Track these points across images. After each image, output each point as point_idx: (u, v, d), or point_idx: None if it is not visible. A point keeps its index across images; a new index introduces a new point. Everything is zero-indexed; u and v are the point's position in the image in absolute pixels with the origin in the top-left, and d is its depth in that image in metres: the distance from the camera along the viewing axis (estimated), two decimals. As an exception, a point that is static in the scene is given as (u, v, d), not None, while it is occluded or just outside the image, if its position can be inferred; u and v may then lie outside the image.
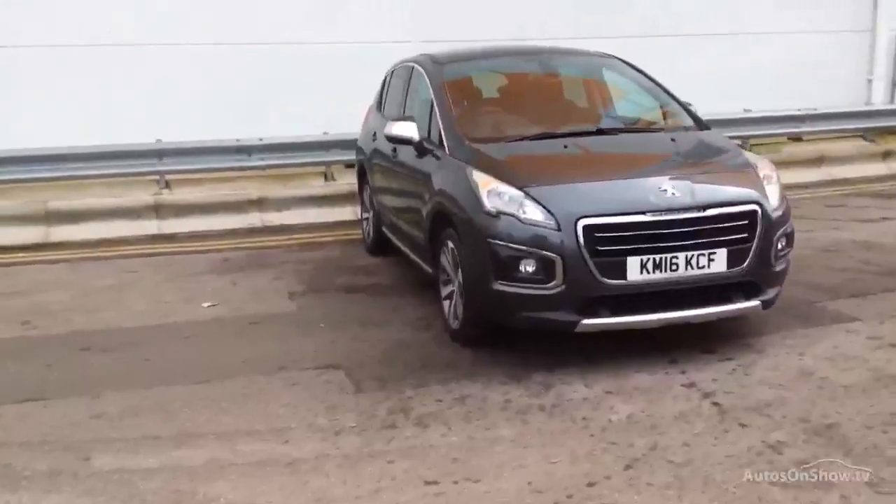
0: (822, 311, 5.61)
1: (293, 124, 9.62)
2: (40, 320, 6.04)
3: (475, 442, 3.87)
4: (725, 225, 4.63)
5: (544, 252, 4.49)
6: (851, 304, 5.73)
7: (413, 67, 6.44)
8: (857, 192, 10.33)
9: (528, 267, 4.54)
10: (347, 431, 4.01)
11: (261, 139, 9.29)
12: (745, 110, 11.25)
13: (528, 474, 3.54)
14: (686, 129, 5.63)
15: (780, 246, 4.88)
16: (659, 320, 4.67)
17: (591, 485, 3.44)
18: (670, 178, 4.67)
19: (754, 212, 4.69)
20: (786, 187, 10.13)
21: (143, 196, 9.05)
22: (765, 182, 4.93)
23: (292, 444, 3.89)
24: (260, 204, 9.23)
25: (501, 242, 4.60)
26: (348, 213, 9.10)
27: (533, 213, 4.55)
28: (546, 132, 5.33)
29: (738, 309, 4.81)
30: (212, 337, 5.56)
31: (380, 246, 7.37)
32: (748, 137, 11.33)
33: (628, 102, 6.08)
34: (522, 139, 5.28)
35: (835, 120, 11.85)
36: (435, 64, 6.11)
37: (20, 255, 8.25)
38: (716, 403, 4.22)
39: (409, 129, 5.60)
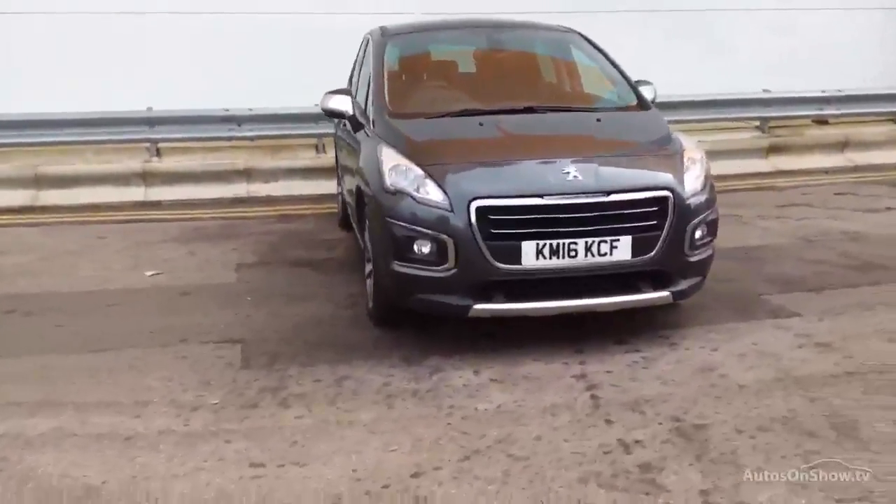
0: (764, 305, 5.32)
1: (289, 96, 9.55)
2: (-18, 282, 6.16)
3: (326, 425, 3.78)
4: (631, 211, 4.39)
5: (437, 233, 4.34)
6: (801, 299, 5.43)
7: (368, 39, 6.30)
8: (876, 180, 9.81)
9: (422, 248, 4.39)
10: (206, 408, 3.96)
11: (250, 109, 9.27)
12: (764, 90, 10.75)
13: (358, 461, 3.43)
14: (624, 109, 5.37)
15: (697, 235, 4.62)
16: (556, 308, 4.49)
17: (415, 475, 3.31)
18: (575, 161, 4.45)
19: (665, 198, 4.44)
20: (803, 172, 10.07)
21: (131, 163, 9.16)
22: (686, 167, 4.66)
23: (143, 419, 3.85)
24: (247, 174, 9.25)
25: (397, 222, 4.46)
26: (335, 186, 9.02)
27: (429, 192, 4.39)
28: (471, 109, 5.13)
29: (646, 299, 4.57)
30: (135, 306, 5.57)
31: (347, 220, 7.28)
32: (767, 119, 10.88)
33: (574, 80, 5.83)
34: (444, 116, 5.09)
35: (863, 102, 11.24)
36: (382, 35, 5.96)
37: (5, 217, 8.44)
38: (595, 397, 4.04)
39: (342, 103, 5.48)
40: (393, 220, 4.47)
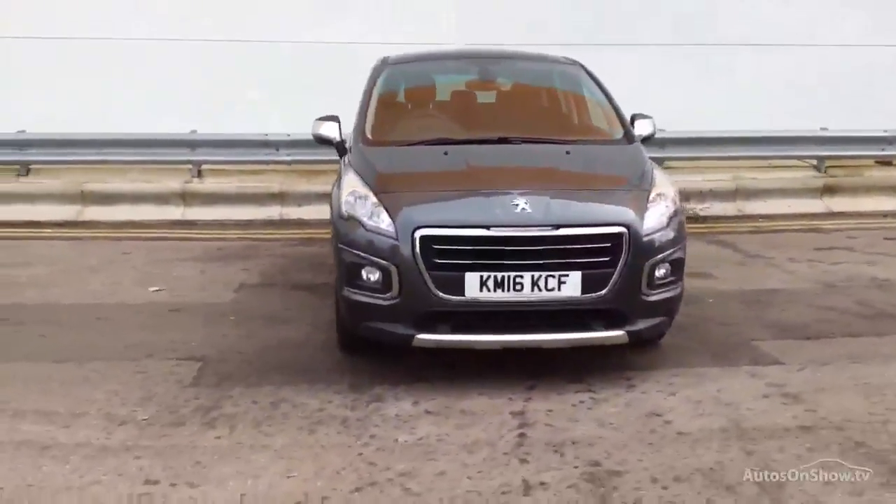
0: (749, 351, 5.08)
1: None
2: (-4, 291, 6.46)
3: (239, 448, 3.77)
4: (580, 246, 4.26)
5: (381, 261, 4.32)
6: (792, 347, 5.16)
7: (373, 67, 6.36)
8: (938, 228, 9.25)
9: (370, 276, 4.37)
10: (134, 423, 4.01)
11: (288, 135, 9.47)
12: (822, 128, 10.32)
13: (252, 486, 3.41)
14: (604, 142, 5.24)
15: (658, 274, 4.44)
16: (501, 342, 4.39)
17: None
18: (526, 193, 4.35)
19: (619, 234, 4.29)
20: (858, 215, 9.60)
21: (171, 183, 9.47)
22: (651, 204, 4.50)
23: (70, 430, 3.93)
24: (281, 198, 9.43)
25: (348, 248, 4.47)
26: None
27: (378, 220, 4.38)
28: (444, 138, 5.10)
29: (598, 338, 4.41)
30: (123, 320, 5.73)
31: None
32: (824, 158, 10.43)
33: (563, 112, 5.72)
34: (415, 144, 5.09)
35: (931, 144, 10.63)
36: (381, 63, 6.01)
37: (48, 230, 8.85)
38: (522, 435, 3.91)
39: (330, 130, 5.53)
40: (344, 247, 4.48)
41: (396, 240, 4.26)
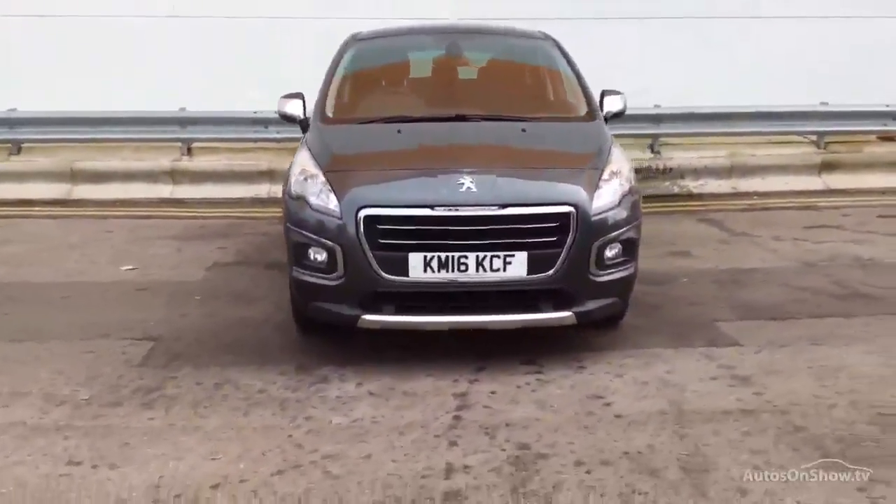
0: (709, 332, 5.00)
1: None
2: (-30, 270, 6.51)
3: (170, 429, 3.77)
4: (527, 226, 4.19)
5: (326, 241, 4.28)
6: (755, 328, 5.07)
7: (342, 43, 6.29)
8: (938, 205, 9.04)
9: (317, 256, 4.34)
10: (72, 404, 4.02)
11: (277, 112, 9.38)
12: (822, 103, 10.10)
13: (173, 468, 3.40)
14: (566, 119, 5.15)
15: (609, 254, 4.37)
16: (447, 323, 4.35)
17: (215, 486, 3.26)
18: (473, 172, 4.28)
19: (567, 214, 4.21)
20: (856, 192, 9.41)
21: (162, 161, 9.48)
22: (603, 182, 4.42)
23: (8, 410, 3.94)
24: (270, 175, 9.37)
25: (296, 228, 4.44)
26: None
27: (324, 199, 4.34)
28: (401, 116, 5.04)
29: (545, 319, 4.35)
30: (88, 299, 5.75)
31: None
32: (824, 133, 10.23)
33: (528, 88, 5.62)
34: (371, 121, 5.03)
35: (935, 118, 10.37)
36: (350, 39, 5.94)
37: (37, 208, 8.91)
38: (458, 417, 3.88)
39: (294, 107, 5.46)
40: (291, 227, 4.45)
41: (341, 219, 4.22)
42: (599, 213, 4.29)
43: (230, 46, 10.07)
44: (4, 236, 7.69)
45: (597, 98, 5.42)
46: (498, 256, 4.15)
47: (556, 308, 4.31)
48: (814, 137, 10.36)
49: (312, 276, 4.37)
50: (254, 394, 4.16)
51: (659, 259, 6.77)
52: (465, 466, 3.40)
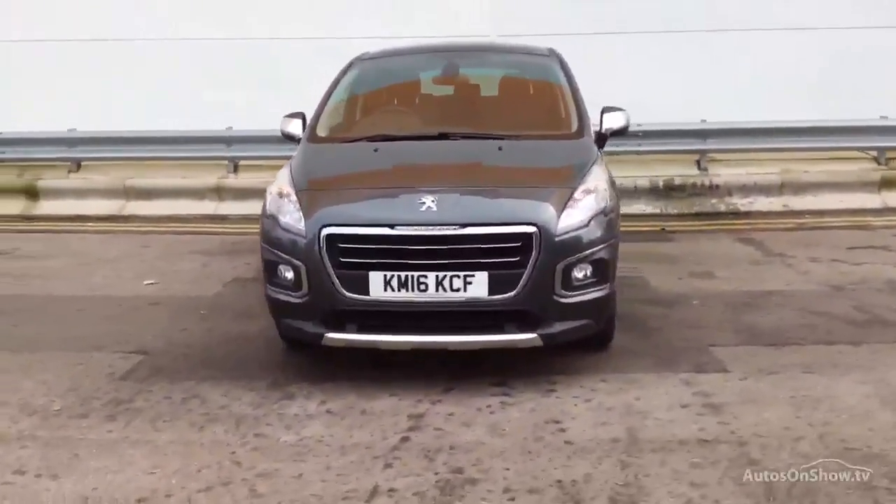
0: (699, 357, 4.82)
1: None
2: (3, 282, 6.85)
3: (122, 442, 3.85)
4: (488, 246, 4.15)
5: (292, 259, 4.34)
6: (751, 353, 4.87)
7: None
8: None
9: (286, 273, 4.40)
10: (42, 414, 4.17)
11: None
12: (882, 117, 9.66)
13: (109, 480, 3.47)
14: (550, 137, 5.06)
15: (578, 275, 4.27)
16: (408, 343, 4.32)
17: (140, 500, 3.33)
18: (435, 192, 4.26)
19: (529, 234, 4.14)
20: None
21: (208, 179, 9.78)
22: (574, 201, 4.33)
23: (-19, 419, 4.13)
24: (310, 192, 9.56)
25: (267, 246, 4.52)
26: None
27: (292, 218, 4.40)
28: (385, 134, 5.07)
29: (509, 341, 4.28)
30: (98, 313, 5.96)
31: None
32: (885, 149, 9.76)
33: (521, 106, 5.56)
34: (354, 140, 5.08)
35: None
36: (355, 59, 6.02)
37: (91, 224, 9.33)
38: (405, 439, 3.84)
39: (295, 127, 5.55)
40: (264, 244, 4.53)
41: (306, 238, 4.26)
42: (566, 234, 4.20)
43: (272, 67, 10.30)
44: (49, 251, 8.07)
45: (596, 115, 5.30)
46: (458, 276, 4.11)
47: (521, 329, 4.23)
48: (874, 153, 9.87)
49: (282, 293, 4.42)
50: (216, 409, 4.22)
51: (678, 280, 6.60)
52: (391, 490, 3.36)
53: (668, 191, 9.49)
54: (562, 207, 4.26)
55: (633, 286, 6.44)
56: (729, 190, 9.50)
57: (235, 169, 9.98)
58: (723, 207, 9.40)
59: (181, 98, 10.25)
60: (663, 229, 8.73)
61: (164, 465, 3.62)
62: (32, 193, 9.99)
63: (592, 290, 4.32)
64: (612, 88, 9.75)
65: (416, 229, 4.14)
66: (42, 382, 4.58)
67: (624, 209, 9.28)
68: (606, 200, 4.43)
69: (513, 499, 3.28)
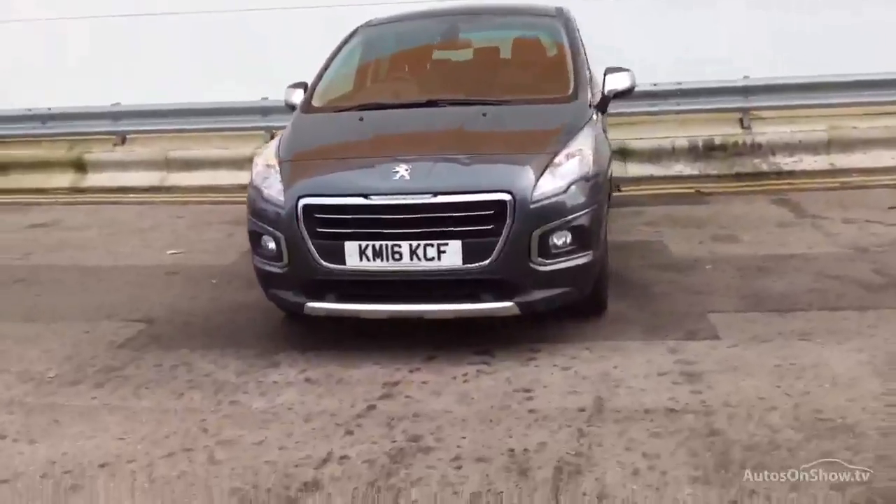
0: (694, 324, 4.70)
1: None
2: (38, 254, 7.14)
3: (103, 409, 3.98)
4: (460, 214, 4.11)
5: (272, 230, 4.39)
6: (748, 320, 4.72)
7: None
8: None
9: (268, 244, 4.46)
10: (37, 381, 4.33)
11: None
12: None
13: (79, 446, 3.58)
14: (542, 101, 4.95)
15: (557, 242, 4.20)
16: (386, 312, 4.34)
17: (103, 465, 3.42)
18: (410, 160, 4.24)
19: (502, 202, 4.09)
20: None
21: (244, 149, 9.91)
22: (553, 167, 4.25)
23: (-22, 386, 4.33)
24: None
25: (251, 217, 4.58)
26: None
27: (273, 189, 4.44)
28: (375, 103, 5.06)
29: (485, 309, 4.25)
30: (117, 282, 6.15)
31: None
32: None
33: (516, 70, 5.46)
34: (345, 110, 5.08)
35: None
36: (361, 26, 6.01)
37: (132, 195, 9.62)
38: (371, 407, 3.87)
39: (297, 96, 5.58)
40: (249, 216, 4.59)
41: (284, 209, 4.30)
42: (541, 200, 4.13)
43: (309, 37, 10.30)
44: (88, 222, 8.36)
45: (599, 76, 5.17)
46: (432, 245, 4.09)
47: (498, 298, 4.20)
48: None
49: (267, 264, 4.49)
50: (200, 377, 4.32)
51: (699, 244, 6.44)
52: (343, 457, 3.40)
53: (708, 151, 9.21)
54: (540, 173, 4.18)
55: (649, 250, 6.33)
56: (772, 149, 9.16)
57: (272, 138, 10.06)
58: (765, 167, 9.07)
59: (221, 70, 10.38)
60: (699, 191, 8.49)
61: (135, 431, 3.73)
62: (80, 166, 10.33)
63: (573, 257, 4.24)
64: (648, 46, 9.55)
65: (389, 198, 4.13)
66: (46, 350, 4.76)
67: (661, 171, 9.20)
68: (590, 165, 4.33)
69: (459, 467, 3.27)
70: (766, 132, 9.33)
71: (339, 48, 5.70)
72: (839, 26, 9.70)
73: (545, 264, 4.17)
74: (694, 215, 7.44)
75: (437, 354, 4.42)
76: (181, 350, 4.69)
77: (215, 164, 9.80)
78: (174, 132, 10.19)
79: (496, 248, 4.08)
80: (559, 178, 4.21)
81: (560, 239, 4.19)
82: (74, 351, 4.74)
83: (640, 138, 9.38)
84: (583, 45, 5.82)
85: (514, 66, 5.54)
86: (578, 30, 5.99)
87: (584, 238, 4.25)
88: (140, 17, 10.66)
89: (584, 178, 4.28)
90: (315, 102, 5.22)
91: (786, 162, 9.08)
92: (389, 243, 4.12)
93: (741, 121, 9.50)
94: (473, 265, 4.10)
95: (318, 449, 3.48)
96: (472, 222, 4.09)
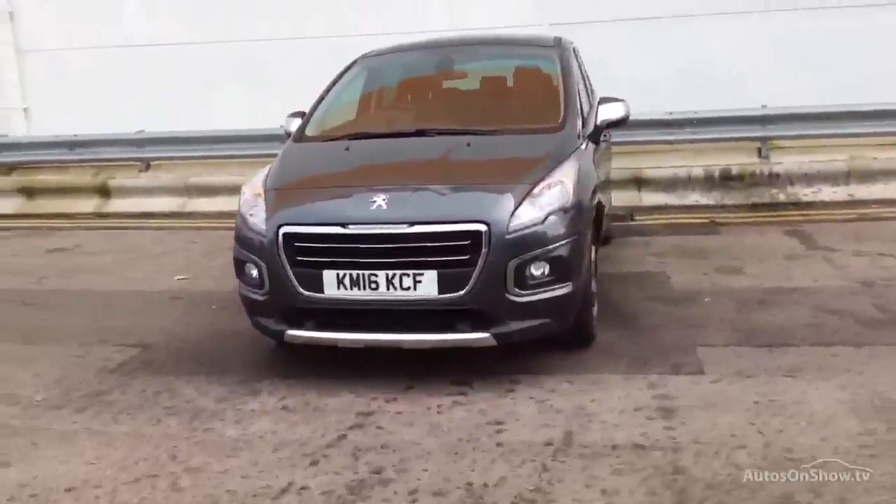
0: (680, 357, 4.63)
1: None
2: (52, 278, 7.29)
3: (82, 433, 4.02)
4: (435, 244, 4.13)
5: (255, 257, 4.45)
6: (734, 354, 4.65)
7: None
8: None
9: (251, 271, 4.52)
10: (22, 405, 4.40)
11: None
12: (965, 98, 8.95)
13: (51, 469, 3.64)
14: (527, 131, 4.94)
15: (535, 273, 4.19)
16: (363, 341, 4.36)
17: (69, 490, 3.48)
18: (388, 190, 4.27)
19: (478, 232, 4.10)
20: None
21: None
22: (531, 198, 4.25)
23: (-33, 407, 4.43)
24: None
25: (237, 245, 4.65)
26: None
27: (256, 217, 4.51)
28: (363, 132, 5.13)
29: (461, 340, 4.24)
30: (120, 307, 6.25)
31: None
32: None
33: (506, 101, 5.48)
34: (336, 139, 5.14)
35: None
36: (360, 57, 6.09)
37: (154, 221, 9.80)
38: (342, 437, 3.87)
39: (295, 126, 5.68)
40: (235, 243, 4.66)
41: (266, 237, 4.36)
42: (518, 231, 4.12)
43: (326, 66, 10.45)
44: (106, 247, 8.53)
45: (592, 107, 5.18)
46: (408, 275, 4.11)
47: (474, 328, 4.19)
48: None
49: (250, 291, 4.54)
50: (182, 403, 4.36)
51: (702, 275, 6.37)
52: (303, 488, 3.41)
53: (725, 180, 9.11)
54: (518, 203, 4.18)
55: (651, 282, 6.27)
56: (790, 179, 9.03)
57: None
58: (782, 198, 8.94)
59: (241, 99, 10.56)
60: (713, 221, 8.40)
61: (108, 456, 3.78)
62: (105, 192, 10.55)
63: (551, 288, 4.23)
64: (662, 74, 9.52)
65: (366, 228, 4.17)
66: (37, 374, 4.85)
67: (676, 200, 9.12)
68: (570, 196, 4.32)
69: (415, 500, 3.26)
70: (783, 162, 9.21)
71: (338, 78, 5.77)
72: (859, 55, 9.55)
73: (522, 295, 4.15)
74: (703, 246, 7.35)
75: (416, 384, 4.41)
76: (168, 377, 4.74)
77: (233, 190, 9.84)
78: (195, 159, 10.35)
79: (471, 279, 4.07)
80: (538, 208, 4.20)
81: (538, 270, 4.17)
82: (65, 374, 4.82)
83: (656, 167, 9.32)
84: (583, 75, 5.83)
85: (506, 96, 5.56)
86: (579, 60, 6.01)
87: (562, 269, 4.23)
88: (164, 47, 10.90)
89: (564, 209, 4.26)
90: (308, 132, 5.29)
91: (804, 192, 8.94)
92: (366, 272, 4.14)
93: (759, 150, 9.40)
94: (449, 295, 4.10)
95: (281, 479, 3.49)
96: (448, 252, 4.10)
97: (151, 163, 10.71)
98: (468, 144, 4.68)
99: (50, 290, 6.91)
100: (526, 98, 5.44)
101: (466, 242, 4.08)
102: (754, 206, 8.93)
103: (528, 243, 4.13)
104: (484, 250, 4.05)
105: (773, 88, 9.32)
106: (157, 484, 3.50)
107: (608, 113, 5.22)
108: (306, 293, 4.24)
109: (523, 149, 4.73)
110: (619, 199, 9.11)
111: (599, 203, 4.96)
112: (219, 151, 10.21)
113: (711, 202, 9.05)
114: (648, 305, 5.64)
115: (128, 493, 3.44)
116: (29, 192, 10.81)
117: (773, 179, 9.07)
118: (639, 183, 9.24)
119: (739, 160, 9.31)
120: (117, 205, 10.35)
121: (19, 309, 6.32)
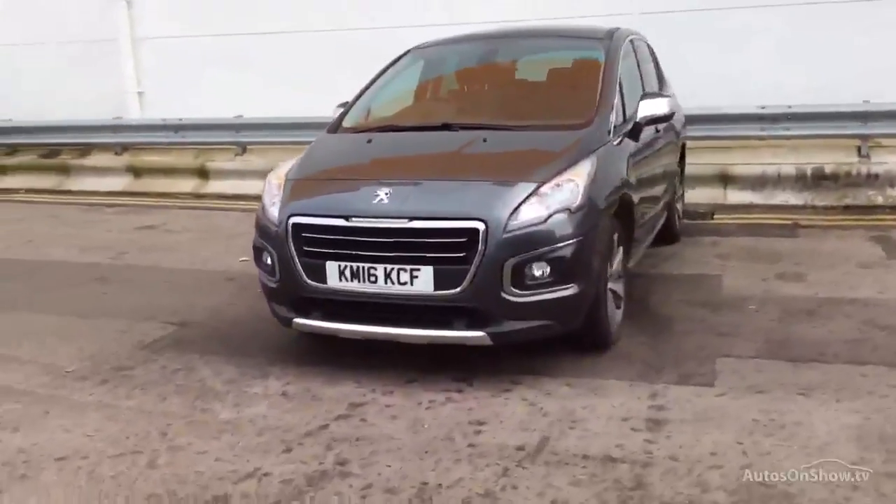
0: (695, 368, 4.45)
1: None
2: (131, 254, 7.70)
3: (92, 405, 4.24)
4: (432, 240, 4.12)
5: (269, 246, 4.57)
6: (755, 368, 4.42)
7: None
8: None
9: (267, 259, 4.65)
10: (55, 374, 4.68)
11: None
12: None
13: (50, 438, 3.88)
14: (552, 127, 4.83)
15: (534, 273, 4.12)
16: (362, 333, 4.39)
17: (61, 459, 3.67)
18: (392, 184, 4.29)
19: (474, 230, 4.06)
20: None
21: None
22: (535, 197, 4.17)
23: (2, 375, 4.75)
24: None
25: (256, 232, 4.79)
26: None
27: (273, 207, 4.63)
28: (393, 125, 5.16)
29: (456, 337, 4.21)
30: (178, 285, 6.54)
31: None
32: None
33: (540, 96, 5.35)
34: (363, 131, 5.19)
35: None
36: (412, 48, 6.12)
37: (241, 202, 10.14)
38: (325, 426, 3.93)
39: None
40: (256, 232, 4.80)
41: (278, 226, 4.47)
42: (517, 230, 4.06)
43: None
44: (188, 226, 8.94)
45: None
46: (405, 270, 4.12)
47: (469, 326, 4.16)
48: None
49: (266, 278, 4.66)
50: (192, 383, 4.54)
51: (760, 281, 6.07)
52: (266, 474, 3.48)
53: (818, 180, 8.60)
54: (522, 201, 4.11)
55: (700, 285, 6.03)
56: (891, 181, 8.44)
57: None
58: (880, 200, 8.37)
59: (335, 86, 10.72)
60: (796, 224, 7.95)
61: (105, 429, 3.98)
62: (203, 174, 11.04)
63: (552, 289, 4.14)
64: (750, 66, 9.05)
65: (367, 221, 4.20)
66: (79, 347, 5.14)
67: (763, 200, 8.71)
68: (579, 195, 4.20)
69: (365, 496, 3.28)
70: (886, 161, 8.60)
71: (386, 69, 5.80)
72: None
73: (519, 295, 4.08)
74: (775, 249, 6.98)
75: (419, 378, 4.42)
76: (192, 355, 4.93)
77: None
78: (288, 144, 10.64)
79: (467, 277, 4.04)
80: (543, 206, 4.11)
81: (538, 270, 4.09)
82: (102, 348, 5.09)
83: (745, 163, 8.90)
84: (640, 70, 5.64)
85: (541, 90, 5.43)
86: (638, 53, 5.81)
87: (565, 270, 4.12)
88: (265, 36, 11.25)
89: (571, 208, 4.15)
90: (346, 123, 5.36)
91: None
92: (366, 265, 4.18)
93: (859, 148, 8.80)
94: (444, 292, 4.08)
95: (249, 464, 3.58)
96: (445, 249, 4.08)
97: (247, 147, 11.07)
98: (484, 140, 4.62)
99: (123, 265, 7.30)
100: (562, 93, 5.31)
101: (463, 240, 4.04)
102: (846, 209, 8.40)
103: (528, 243, 4.05)
104: (480, 248, 4.01)
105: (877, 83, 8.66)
106: (137, 460, 3.65)
107: (650, 109, 5.06)
108: (312, 283, 4.32)
109: (542, 145, 4.63)
110: (702, 196, 8.80)
111: (631, 201, 4.79)
112: (309, 137, 10.40)
113: (800, 203, 8.57)
114: (687, 310, 5.43)
115: (107, 466, 3.61)
116: (136, 172, 11.44)
117: (872, 180, 8.49)
118: (724, 180, 8.86)
119: (836, 158, 8.77)
120: (214, 186, 10.80)
121: (88, 284, 6.71)
